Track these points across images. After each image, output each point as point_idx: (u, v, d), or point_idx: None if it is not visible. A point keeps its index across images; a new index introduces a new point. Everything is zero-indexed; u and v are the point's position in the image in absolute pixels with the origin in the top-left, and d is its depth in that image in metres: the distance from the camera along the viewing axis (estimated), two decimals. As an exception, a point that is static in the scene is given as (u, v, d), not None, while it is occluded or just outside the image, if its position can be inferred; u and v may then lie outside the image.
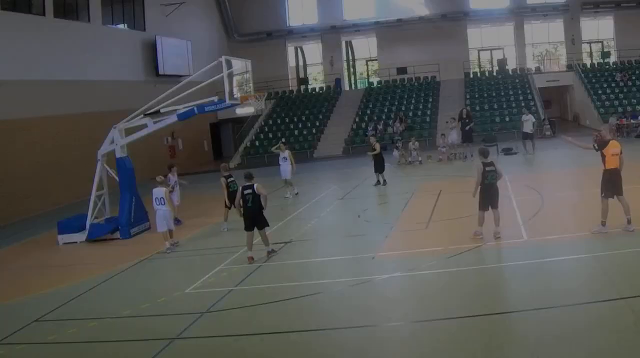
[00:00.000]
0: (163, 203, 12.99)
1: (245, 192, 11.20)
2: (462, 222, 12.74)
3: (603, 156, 10.63)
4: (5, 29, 21.61)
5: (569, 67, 36.70)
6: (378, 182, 19.48)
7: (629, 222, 10.50)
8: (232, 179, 14.63)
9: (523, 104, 33.21)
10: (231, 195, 13.65)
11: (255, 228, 11.41)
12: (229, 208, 14.29)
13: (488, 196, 11.03)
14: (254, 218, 11.26)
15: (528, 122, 24.09)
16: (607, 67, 36.11)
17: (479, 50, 40.90)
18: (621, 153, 10.71)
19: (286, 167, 18.75)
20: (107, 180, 15.97)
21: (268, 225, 11.56)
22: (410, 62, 38.53)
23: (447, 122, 26.86)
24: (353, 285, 9.36)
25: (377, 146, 19.48)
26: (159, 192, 13.12)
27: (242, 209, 11.36)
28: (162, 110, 15.46)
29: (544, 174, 18.38)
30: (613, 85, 33.38)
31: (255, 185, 11.18)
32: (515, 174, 19.50)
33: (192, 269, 11.40)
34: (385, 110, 35.27)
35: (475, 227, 11.25)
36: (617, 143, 10.79)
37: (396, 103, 36.00)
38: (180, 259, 12.58)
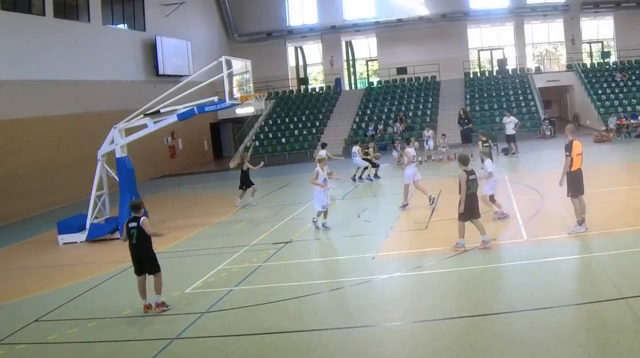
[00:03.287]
0: (325, 181, 13.55)
1: (130, 225, 9.20)
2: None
3: (571, 158, 10.59)
4: (5, 29, 21.62)
5: (569, 67, 36.73)
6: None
7: (579, 223, 10.59)
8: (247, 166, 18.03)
9: (523, 104, 33.30)
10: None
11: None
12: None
13: (471, 206, 10.39)
14: (140, 258, 9.15)
15: (510, 124, 24.03)
16: (607, 67, 36.13)
17: (479, 50, 40.92)
18: (582, 153, 10.76)
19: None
20: (107, 180, 15.97)
21: (159, 270, 9.20)
22: (410, 62, 38.57)
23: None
24: (353, 285, 9.35)
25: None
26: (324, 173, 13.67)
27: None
28: (162, 110, 15.46)
29: (543, 174, 18.37)
30: (613, 85, 33.40)
31: (141, 219, 9.21)
32: (514, 174, 19.55)
33: (192, 269, 11.39)
34: (385, 110, 35.29)
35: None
36: (579, 143, 10.78)
37: (396, 103, 36.02)
38: (180, 259, 12.57)
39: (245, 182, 18.05)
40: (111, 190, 16.23)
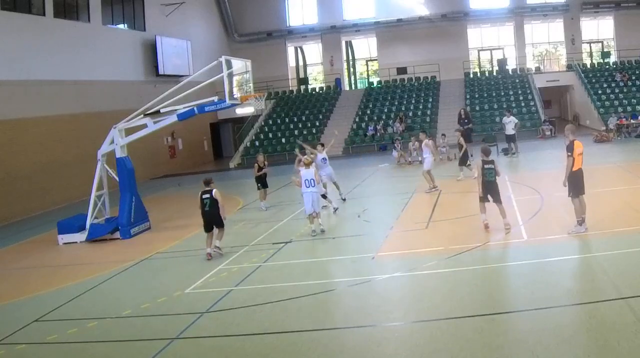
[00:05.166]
0: (313, 184, 12.94)
1: (204, 196, 11.87)
2: (462, 222, 12.75)
3: (573, 158, 10.57)
4: (5, 29, 21.62)
5: (569, 67, 36.74)
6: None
7: (579, 223, 10.60)
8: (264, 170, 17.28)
9: (523, 104, 33.30)
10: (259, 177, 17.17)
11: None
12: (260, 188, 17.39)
13: (487, 191, 11.55)
14: (212, 220, 11.94)
15: (510, 124, 23.94)
16: (607, 67, 36.14)
17: (479, 50, 40.93)
18: (582, 152, 10.75)
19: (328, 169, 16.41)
20: (107, 180, 15.97)
21: (223, 226, 12.17)
22: (410, 62, 38.59)
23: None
24: (353, 285, 9.35)
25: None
26: (309, 173, 13.01)
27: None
28: (162, 110, 15.45)
29: (543, 174, 18.38)
30: (613, 85, 33.41)
31: (213, 191, 11.85)
32: (514, 174, 19.54)
33: (192, 269, 11.39)
34: (385, 110, 35.29)
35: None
36: (580, 143, 10.75)
37: (396, 103, 36.03)
38: (180, 259, 12.58)
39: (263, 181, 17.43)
40: (111, 190, 16.23)
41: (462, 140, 18.85)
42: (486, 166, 11.53)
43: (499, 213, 11.51)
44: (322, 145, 17.11)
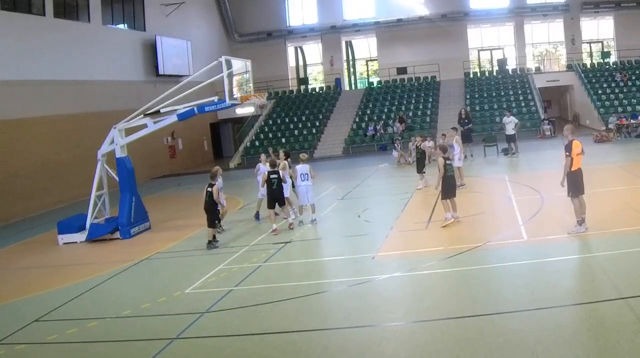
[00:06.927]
0: (307, 178, 14.14)
1: (272, 176, 13.35)
2: (462, 222, 12.74)
3: (571, 158, 10.53)
4: (5, 29, 21.61)
5: (569, 67, 36.74)
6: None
7: (579, 223, 10.59)
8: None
9: (523, 104, 33.30)
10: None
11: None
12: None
13: (451, 186, 12.64)
14: (277, 198, 13.44)
15: (510, 124, 23.86)
16: (607, 67, 36.14)
17: (479, 50, 40.93)
18: (582, 152, 10.73)
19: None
20: (107, 180, 15.96)
21: (285, 204, 13.84)
22: (410, 62, 38.60)
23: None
24: (353, 285, 9.35)
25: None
26: (304, 168, 14.20)
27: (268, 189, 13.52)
28: (162, 110, 15.44)
29: (543, 174, 18.38)
30: (613, 85, 33.40)
31: (280, 172, 13.55)
32: (514, 174, 19.55)
33: (192, 269, 11.39)
34: (385, 110, 35.29)
35: (446, 220, 12.55)
36: (579, 143, 10.73)
37: (396, 103, 36.03)
38: (180, 259, 12.58)
39: None
40: (111, 190, 16.23)
41: (424, 144, 18.24)
42: (447, 162, 12.71)
43: (452, 207, 12.57)
44: (286, 154, 16.01)
